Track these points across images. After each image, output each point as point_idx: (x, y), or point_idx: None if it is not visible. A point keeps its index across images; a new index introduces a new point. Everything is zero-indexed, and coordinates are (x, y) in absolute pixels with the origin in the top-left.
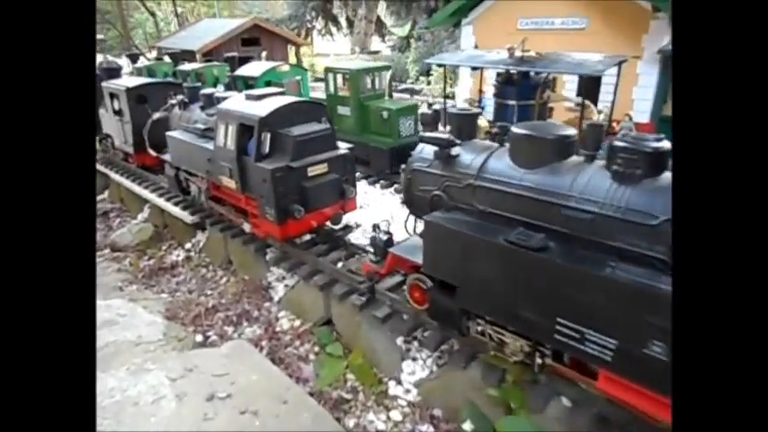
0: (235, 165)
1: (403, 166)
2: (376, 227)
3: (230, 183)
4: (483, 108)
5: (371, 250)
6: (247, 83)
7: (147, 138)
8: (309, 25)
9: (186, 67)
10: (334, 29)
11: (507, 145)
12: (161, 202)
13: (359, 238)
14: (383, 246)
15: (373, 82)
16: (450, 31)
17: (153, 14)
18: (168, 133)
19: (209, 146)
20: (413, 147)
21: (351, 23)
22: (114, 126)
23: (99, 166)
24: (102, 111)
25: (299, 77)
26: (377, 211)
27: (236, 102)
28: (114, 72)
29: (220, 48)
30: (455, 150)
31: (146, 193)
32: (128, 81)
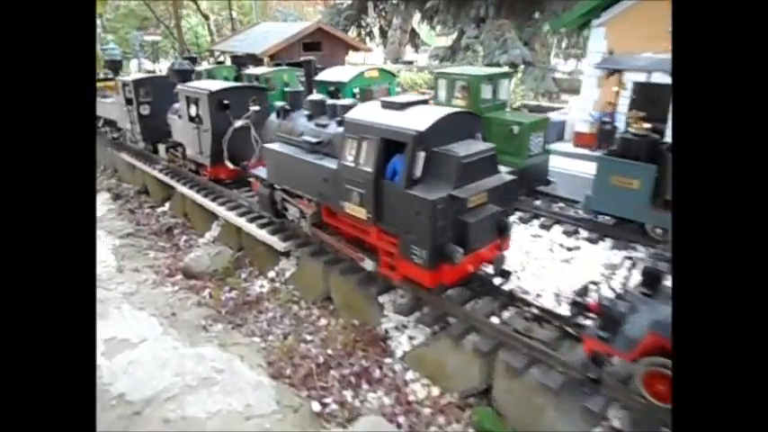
0: (370, 190)
1: None
2: (594, 284)
3: (357, 211)
4: (614, 124)
5: (587, 318)
6: (329, 89)
7: (225, 148)
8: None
9: (253, 71)
10: (367, 39)
11: None
12: (242, 222)
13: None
14: (620, 317)
15: (494, 90)
16: (501, 42)
17: (206, 17)
18: (266, 145)
19: (327, 164)
20: (542, 167)
21: (384, 33)
22: (189, 134)
23: (163, 177)
24: (173, 116)
25: (388, 84)
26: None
27: (373, 112)
28: (187, 74)
29: (281, 52)
30: None
31: (221, 211)
32: (209, 84)
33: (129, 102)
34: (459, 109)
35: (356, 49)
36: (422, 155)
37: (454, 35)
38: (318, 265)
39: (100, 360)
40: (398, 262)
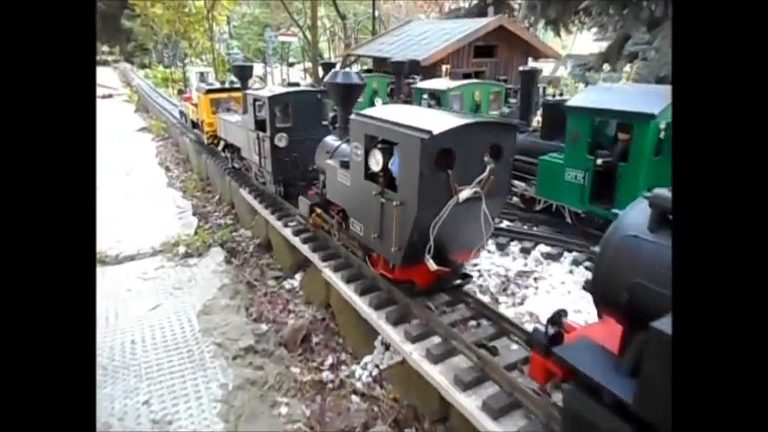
0: None
1: None
2: None
3: None
4: None
5: None
6: (593, 120)
7: (432, 237)
8: None
9: (429, 85)
10: None
11: None
12: (469, 408)
13: None
14: None
15: None
16: None
17: (343, 18)
18: None
19: None
20: None
21: None
22: (363, 202)
23: (299, 244)
24: (330, 163)
25: None
26: None
27: None
28: (356, 91)
29: (447, 58)
30: None
31: (418, 363)
32: (420, 116)
33: (260, 125)
34: None
35: (537, 55)
36: None
37: (609, 42)
38: None
39: None
40: None
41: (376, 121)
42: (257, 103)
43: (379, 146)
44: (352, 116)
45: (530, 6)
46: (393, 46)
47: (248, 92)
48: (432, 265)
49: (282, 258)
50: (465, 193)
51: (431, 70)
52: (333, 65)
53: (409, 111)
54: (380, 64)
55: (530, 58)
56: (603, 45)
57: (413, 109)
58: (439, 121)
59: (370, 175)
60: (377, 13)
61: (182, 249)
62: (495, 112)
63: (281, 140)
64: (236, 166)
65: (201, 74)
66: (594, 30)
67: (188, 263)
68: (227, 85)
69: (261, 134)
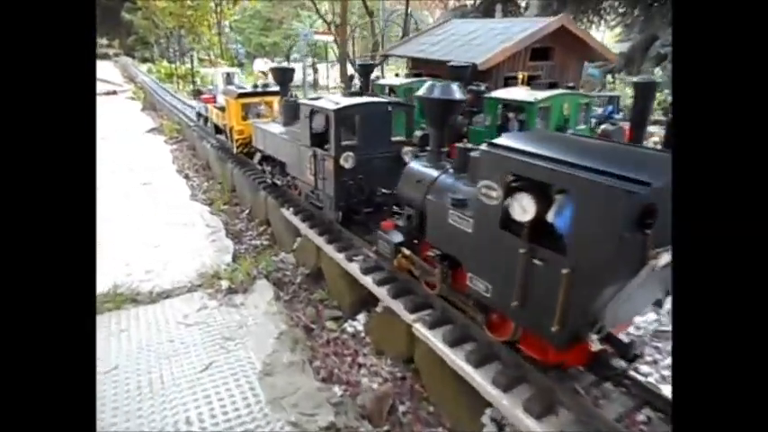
0: None
1: None
2: None
3: None
4: None
5: None
6: None
7: (610, 312)
8: None
9: (504, 95)
10: None
11: None
12: None
13: None
14: None
15: None
16: None
17: (371, 14)
18: None
19: None
20: None
21: None
22: (496, 254)
23: (373, 286)
24: (432, 198)
25: None
26: None
27: None
28: (456, 108)
29: (504, 62)
30: None
31: None
32: (610, 155)
33: (318, 140)
34: None
35: (594, 58)
36: None
37: (631, 42)
38: None
39: None
40: None
41: (530, 158)
42: (316, 116)
43: (517, 184)
44: (485, 147)
45: (544, 5)
46: (437, 47)
47: (303, 101)
48: (596, 345)
49: (339, 294)
50: (665, 259)
51: (484, 75)
52: (371, 66)
53: (571, 143)
54: (421, 65)
55: (585, 62)
56: (620, 45)
57: (572, 140)
58: (637, 164)
59: (508, 225)
60: (409, 11)
61: (224, 284)
62: (583, 127)
63: (348, 161)
64: (278, 182)
65: (228, 74)
66: (618, 30)
67: (233, 301)
68: (258, 89)
69: (320, 152)
